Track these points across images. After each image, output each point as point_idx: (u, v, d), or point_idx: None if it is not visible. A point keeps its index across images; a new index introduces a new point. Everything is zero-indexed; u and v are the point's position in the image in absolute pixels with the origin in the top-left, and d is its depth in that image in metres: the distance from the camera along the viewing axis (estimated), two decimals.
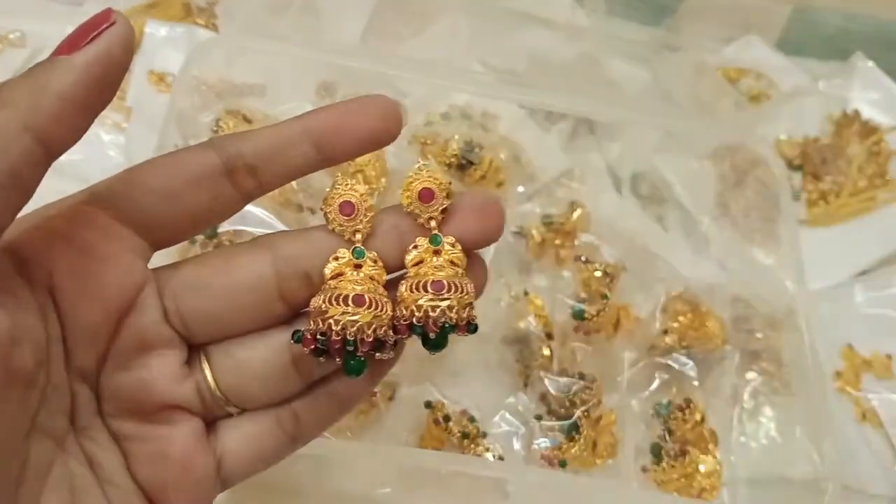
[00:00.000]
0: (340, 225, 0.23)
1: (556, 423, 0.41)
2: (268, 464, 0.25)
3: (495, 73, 0.54)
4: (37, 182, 0.19)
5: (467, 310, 0.23)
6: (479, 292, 0.24)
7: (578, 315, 0.44)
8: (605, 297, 0.44)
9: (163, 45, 0.52)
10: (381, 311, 0.22)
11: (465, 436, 0.40)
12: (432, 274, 0.23)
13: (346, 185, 0.24)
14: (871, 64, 0.58)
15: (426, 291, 0.22)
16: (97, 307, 0.21)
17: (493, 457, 0.40)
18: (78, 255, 0.21)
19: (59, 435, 0.21)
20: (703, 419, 0.42)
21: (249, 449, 0.24)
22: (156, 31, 0.53)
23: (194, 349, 0.24)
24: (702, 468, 0.42)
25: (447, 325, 0.22)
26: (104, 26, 0.19)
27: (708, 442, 0.42)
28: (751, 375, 0.45)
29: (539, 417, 0.41)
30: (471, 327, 0.23)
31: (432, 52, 0.53)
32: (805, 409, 0.43)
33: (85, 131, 0.20)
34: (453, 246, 0.23)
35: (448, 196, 0.23)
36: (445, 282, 0.22)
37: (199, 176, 0.22)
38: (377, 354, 0.23)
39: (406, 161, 0.46)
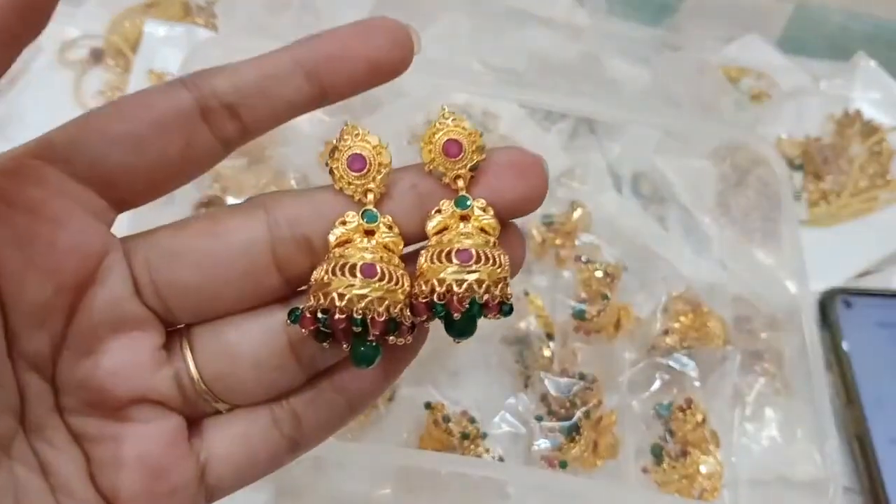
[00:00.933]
0: (349, 183, 0.19)
1: (556, 424, 0.41)
2: (263, 471, 0.21)
3: (495, 73, 0.54)
4: None
5: (500, 286, 0.19)
6: (515, 269, 0.20)
7: (579, 315, 0.44)
8: (605, 297, 0.44)
9: (162, 44, 0.52)
10: (397, 285, 0.19)
11: (465, 437, 0.40)
12: (458, 242, 0.19)
13: (357, 134, 0.20)
14: (872, 63, 0.58)
15: (450, 262, 0.18)
16: (47, 280, 0.18)
17: (493, 458, 0.40)
18: (21, 218, 0.17)
19: (3, 437, 0.18)
20: (704, 420, 0.42)
21: (240, 453, 0.20)
22: (155, 31, 0.52)
23: (173, 331, 0.20)
24: (703, 469, 0.41)
25: (475, 304, 0.18)
26: None
27: (709, 443, 0.42)
28: (752, 376, 0.45)
29: (539, 418, 0.41)
30: (504, 307, 0.19)
31: (432, 50, 0.53)
32: (806, 410, 0.43)
33: (5, 67, 0.16)
34: (484, 210, 0.19)
35: (479, 150, 0.19)
36: (474, 251, 0.19)
37: (168, 118, 0.18)
38: (391, 338, 0.19)
39: (406, 161, 0.46)
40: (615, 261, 0.46)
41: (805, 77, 0.59)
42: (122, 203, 0.19)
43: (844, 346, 0.48)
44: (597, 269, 0.45)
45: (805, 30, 0.62)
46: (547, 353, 0.43)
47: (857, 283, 0.51)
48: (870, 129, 0.56)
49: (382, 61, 0.19)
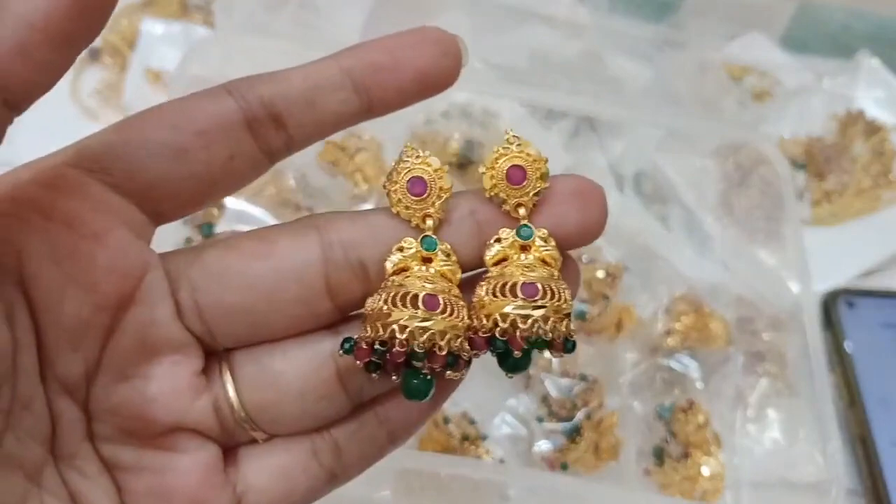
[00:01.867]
0: (407, 207, 0.18)
1: (557, 425, 0.41)
2: None
3: (496, 71, 0.54)
4: None
5: (564, 323, 0.18)
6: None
7: (580, 316, 0.43)
8: (606, 297, 0.44)
9: (159, 42, 0.52)
10: (458, 317, 0.18)
11: (465, 438, 0.40)
12: (521, 275, 0.18)
13: (417, 157, 0.19)
14: (875, 62, 0.58)
15: (515, 296, 0.18)
16: (86, 299, 0.17)
17: (494, 459, 0.40)
18: (59, 233, 0.16)
19: (33, 466, 0.17)
20: (706, 421, 0.42)
21: (278, 486, 0.19)
22: (152, 29, 0.52)
23: (212, 356, 0.19)
24: (705, 470, 0.41)
25: (540, 341, 0.18)
26: None
27: (711, 444, 0.42)
28: (754, 377, 0.44)
29: (540, 419, 0.41)
30: (568, 345, 0.18)
31: None
32: (809, 411, 0.42)
33: (61, 74, 0.15)
34: (546, 241, 0.19)
35: (542, 178, 0.19)
36: (540, 285, 0.18)
37: (213, 127, 0.17)
38: (448, 373, 0.18)
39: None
40: (616, 261, 0.45)
41: (808, 75, 0.59)
42: (161, 216, 0.18)
43: (847, 346, 0.47)
44: (598, 270, 0.44)
45: (808, 28, 0.61)
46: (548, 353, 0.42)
47: (859, 283, 0.51)
48: (873, 128, 0.55)
49: (432, 72, 0.18)
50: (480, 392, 0.42)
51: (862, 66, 0.58)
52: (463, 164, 0.47)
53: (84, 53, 0.54)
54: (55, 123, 0.39)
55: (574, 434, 0.40)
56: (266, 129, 0.18)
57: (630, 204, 0.50)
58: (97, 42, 0.53)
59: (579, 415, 0.41)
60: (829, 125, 0.56)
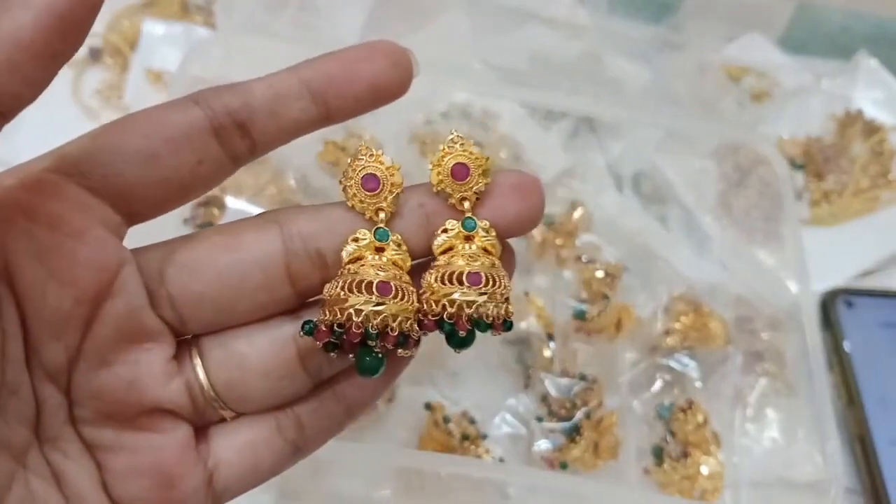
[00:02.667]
0: (361, 201, 0.20)
1: (556, 425, 0.41)
2: (266, 476, 0.22)
3: (496, 72, 0.54)
4: None
5: (504, 306, 0.20)
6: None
7: (579, 315, 0.43)
8: (606, 297, 0.44)
9: (160, 43, 0.52)
10: (408, 301, 0.20)
11: (465, 437, 0.40)
12: (467, 265, 0.20)
13: (371, 154, 0.21)
14: (874, 62, 0.58)
15: (460, 284, 0.20)
16: (67, 293, 0.18)
17: (494, 459, 0.40)
18: (41, 232, 0.18)
19: (20, 448, 0.18)
20: (705, 421, 0.42)
21: (246, 459, 0.21)
22: (153, 30, 0.52)
23: (181, 342, 0.21)
24: (704, 470, 0.41)
25: (482, 323, 0.20)
26: None
27: (710, 444, 0.42)
28: (753, 377, 0.44)
29: (540, 419, 0.41)
30: (507, 324, 0.20)
31: (432, 49, 0.52)
32: (808, 410, 0.42)
33: (45, 86, 0.16)
34: (487, 232, 0.21)
35: (484, 174, 0.21)
36: (483, 274, 0.20)
37: (182, 134, 0.19)
38: (399, 351, 0.20)
39: (404, 160, 0.46)
40: (616, 261, 0.46)
41: (806, 76, 0.59)
42: (134, 216, 0.20)
43: (846, 346, 0.47)
44: (597, 269, 0.45)
45: (806, 29, 0.62)
46: (547, 353, 0.43)
47: (858, 283, 0.51)
48: (871, 129, 0.55)
49: (383, 83, 0.20)
50: (480, 392, 0.43)
51: (860, 67, 0.58)
52: None
53: (85, 54, 0.55)
54: (56, 123, 0.39)
55: (574, 433, 0.40)
56: (231, 136, 0.19)
57: (629, 204, 0.51)
58: (98, 42, 0.53)
59: (579, 414, 0.41)
60: (827, 126, 0.56)
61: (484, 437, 0.41)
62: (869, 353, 0.47)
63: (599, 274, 0.44)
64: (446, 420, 0.40)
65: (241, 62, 0.47)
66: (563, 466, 0.40)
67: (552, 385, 0.42)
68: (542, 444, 0.40)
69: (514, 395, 0.42)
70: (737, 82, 0.58)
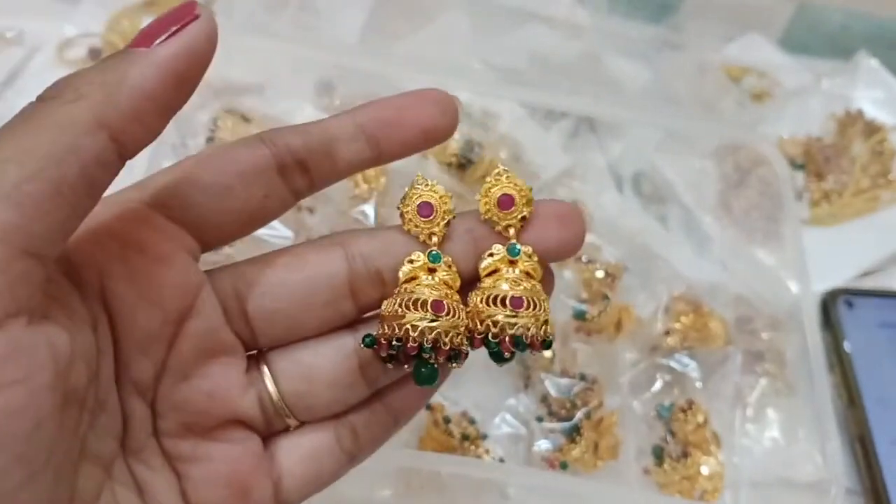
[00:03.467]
0: (416, 226, 0.22)
1: (556, 425, 0.41)
2: (325, 484, 0.23)
3: (496, 72, 0.54)
4: (106, 187, 0.18)
5: (544, 327, 0.22)
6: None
7: (579, 315, 0.43)
8: (606, 297, 0.44)
9: None
10: (458, 319, 0.22)
11: (465, 437, 0.40)
12: (510, 288, 0.22)
13: (426, 185, 0.23)
14: (874, 62, 0.58)
15: (504, 307, 0.22)
16: (155, 313, 0.20)
17: (494, 459, 0.40)
18: (134, 257, 0.20)
19: (108, 460, 0.20)
20: (705, 421, 0.42)
21: (308, 469, 0.23)
22: None
23: (250, 356, 0.22)
24: (704, 470, 0.41)
25: (522, 343, 0.22)
26: (188, 20, 0.18)
27: (710, 444, 0.42)
28: (753, 377, 0.44)
29: (540, 419, 0.41)
30: (546, 343, 0.22)
31: (432, 50, 0.52)
32: (808, 410, 0.42)
33: (160, 132, 0.18)
34: (530, 257, 0.22)
35: (528, 203, 0.23)
36: (525, 298, 0.22)
37: (252, 171, 0.21)
38: (451, 364, 0.22)
39: (404, 160, 0.46)
40: (616, 261, 0.45)
41: (807, 76, 0.59)
42: (208, 243, 0.21)
43: (846, 346, 0.47)
44: (597, 269, 0.44)
45: (806, 29, 0.62)
46: (547, 353, 0.43)
47: (858, 283, 0.51)
48: (871, 129, 0.55)
49: (432, 129, 0.22)
50: (480, 392, 0.43)
51: (861, 67, 0.58)
52: (462, 164, 0.47)
53: (85, 54, 0.54)
54: None
55: (574, 433, 0.40)
56: (293, 173, 0.21)
57: (629, 204, 0.51)
58: (98, 43, 0.53)
59: (579, 414, 0.41)
60: (827, 125, 0.56)
61: (484, 437, 0.41)
62: (869, 354, 0.47)
63: (599, 274, 0.44)
64: (446, 420, 0.40)
65: (242, 62, 0.47)
66: (563, 466, 0.40)
67: (552, 385, 0.42)
68: (542, 445, 0.40)
69: (514, 395, 0.42)
70: (737, 82, 0.58)
